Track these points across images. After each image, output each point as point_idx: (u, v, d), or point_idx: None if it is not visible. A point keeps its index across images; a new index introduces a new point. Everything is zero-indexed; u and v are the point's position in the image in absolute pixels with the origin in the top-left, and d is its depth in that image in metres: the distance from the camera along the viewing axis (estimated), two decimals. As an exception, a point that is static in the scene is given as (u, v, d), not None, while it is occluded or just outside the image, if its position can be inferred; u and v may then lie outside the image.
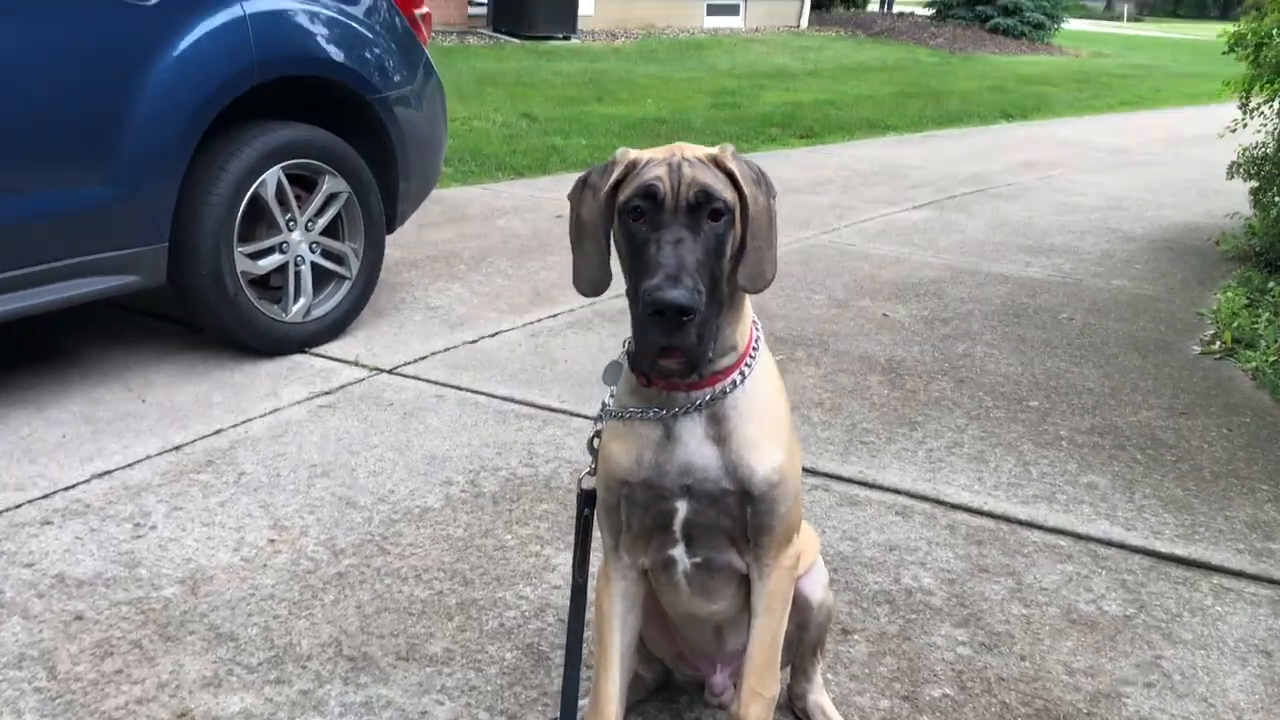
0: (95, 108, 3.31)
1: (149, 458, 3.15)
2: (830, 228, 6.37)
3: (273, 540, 2.73)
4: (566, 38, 15.00)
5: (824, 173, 8.19)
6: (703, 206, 1.55)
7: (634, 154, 1.64)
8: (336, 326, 4.12)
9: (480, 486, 3.04)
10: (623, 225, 1.60)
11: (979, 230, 6.45)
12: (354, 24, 4.00)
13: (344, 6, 3.98)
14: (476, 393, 3.69)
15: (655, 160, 1.60)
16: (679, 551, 1.76)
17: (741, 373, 1.69)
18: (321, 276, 4.08)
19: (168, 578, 2.56)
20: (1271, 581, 2.69)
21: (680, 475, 1.69)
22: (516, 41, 14.42)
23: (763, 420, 1.70)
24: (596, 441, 1.81)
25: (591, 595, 1.93)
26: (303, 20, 3.83)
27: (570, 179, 7.38)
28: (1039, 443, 3.46)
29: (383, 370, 3.86)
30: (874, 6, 27.49)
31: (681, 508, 1.71)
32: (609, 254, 1.65)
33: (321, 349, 4.03)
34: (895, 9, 26.15)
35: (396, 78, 4.17)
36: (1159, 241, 6.38)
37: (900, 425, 3.55)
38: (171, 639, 2.33)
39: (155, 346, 4.04)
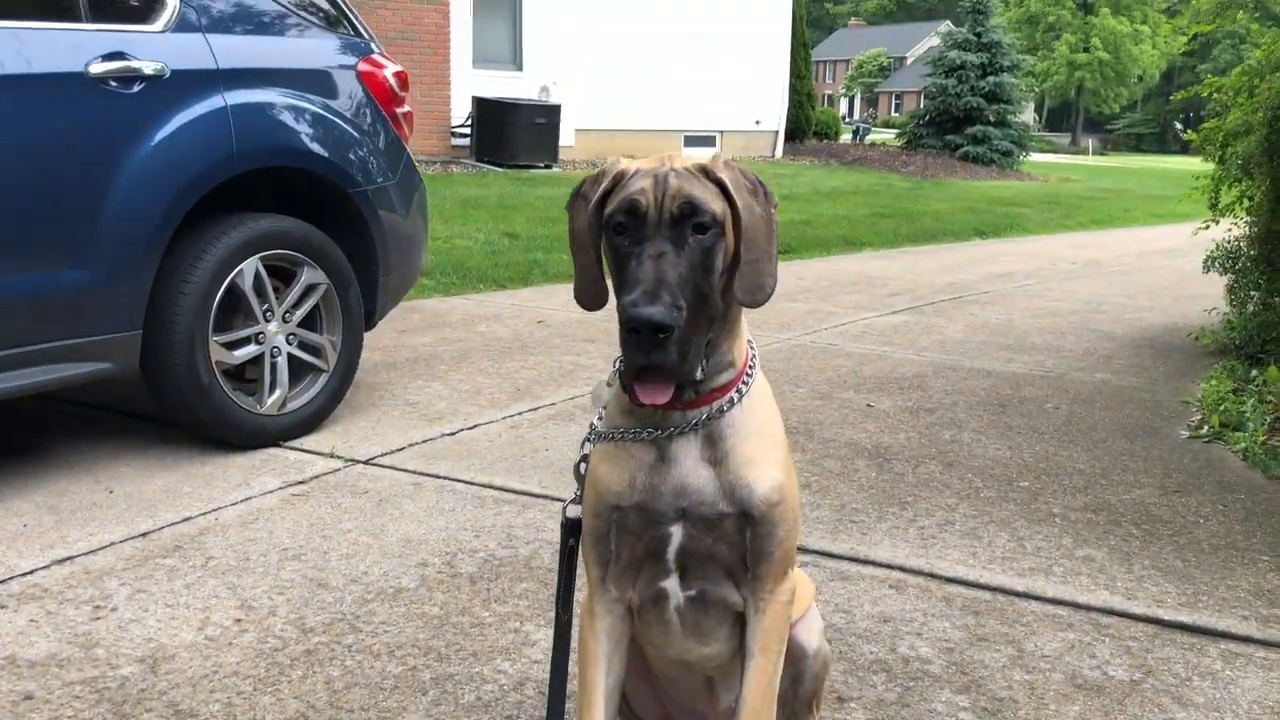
0: (71, 192, 3.30)
1: (113, 544, 3.03)
2: (810, 330, 6.40)
3: (239, 620, 2.61)
4: (548, 166, 15.31)
5: (802, 283, 8.27)
6: (687, 219, 1.50)
7: (624, 164, 1.61)
8: (312, 420, 4.05)
9: (457, 567, 2.94)
10: (608, 239, 1.56)
11: (958, 332, 6.48)
12: (336, 118, 4.05)
13: (327, 101, 4.04)
14: (454, 480, 3.61)
15: (642, 171, 1.57)
16: (672, 583, 1.67)
17: (739, 390, 1.64)
18: (298, 369, 4.02)
19: (126, 657, 2.43)
20: (1281, 646, 2.60)
21: (675, 498, 1.62)
22: (499, 170, 14.71)
23: (761, 439, 1.64)
24: (584, 467, 1.74)
25: (576, 634, 1.84)
26: (285, 113, 3.88)
27: (554, 290, 7.42)
28: (1032, 520, 3.39)
29: (358, 461, 3.78)
30: (846, 138, 28.35)
31: (676, 534, 1.63)
32: (602, 267, 1.62)
33: (296, 442, 3.95)
34: (868, 139, 26.94)
35: (378, 172, 4.20)
36: (1139, 340, 6.42)
37: (890, 505, 3.48)
38: (126, 717, 2.19)
39: (125, 441, 3.95)
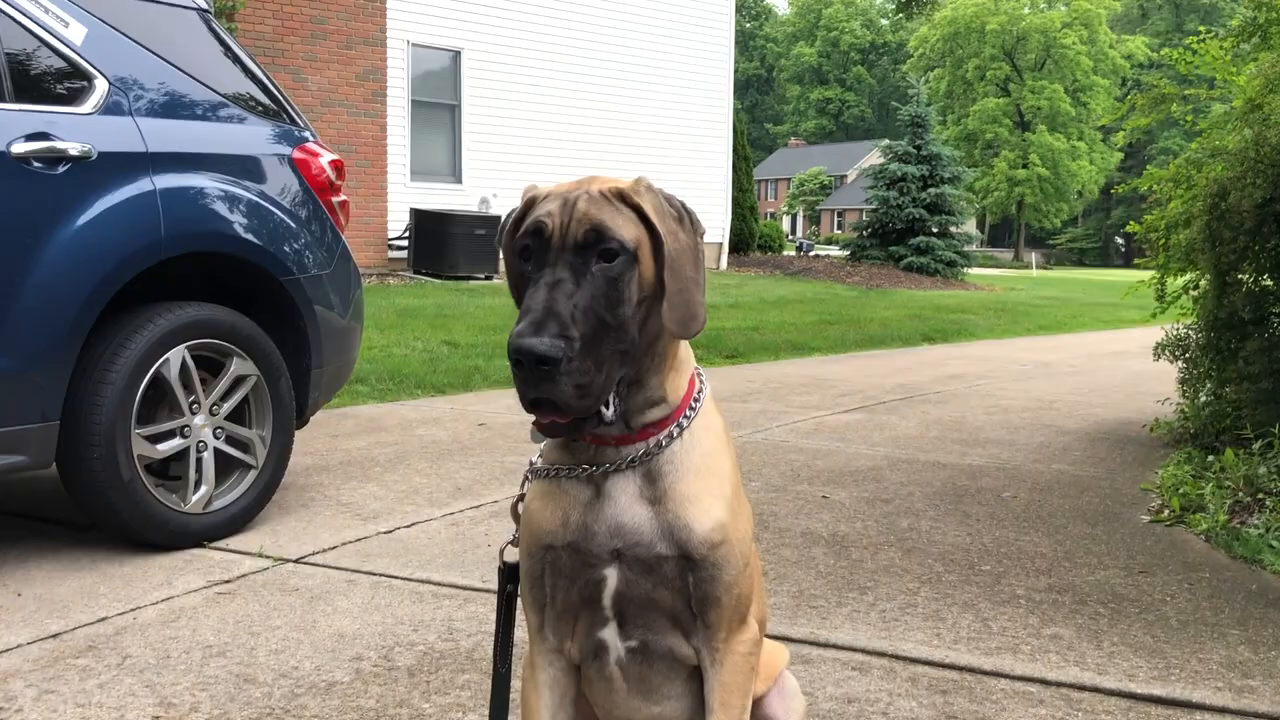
0: (-12, 274, 3.25)
1: (19, 646, 2.90)
2: (762, 428, 6.42)
3: (157, 717, 2.49)
4: (488, 278, 15.43)
5: (752, 385, 8.33)
6: (592, 246, 1.49)
7: (540, 189, 1.62)
8: (239, 519, 3.95)
9: (394, 660, 2.84)
10: (516, 265, 1.56)
11: (911, 428, 6.54)
12: (269, 205, 4.06)
13: (260, 187, 4.05)
14: (391, 577, 3.53)
15: (554, 195, 1.57)
16: (610, 633, 1.62)
17: (679, 425, 1.62)
18: (225, 465, 3.94)
19: (31, 757, 2.30)
20: (1257, 715, 2.58)
21: (610, 538, 1.59)
22: (437, 281, 14.79)
23: (703, 475, 1.62)
24: (521, 506, 1.71)
25: (517, 686, 1.77)
26: (216, 198, 3.88)
27: (496, 395, 7.39)
28: (996, 601, 3.37)
29: (288, 560, 3.68)
30: (790, 251, 28.97)
31: (611, 576, 1.59)
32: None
33: (222, 542, 3.84)
34: (813, 252, 27.53)
35: (312, 261, 4.20)
36: (1094, 433, 6.52)
37: (849, 590, 3.45)
38: (30, 819, 2.06)
39: (36, 543, 3.82)
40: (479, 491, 4.69)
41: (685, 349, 1.68)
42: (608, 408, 1.53)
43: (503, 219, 1.65)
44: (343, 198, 4.45)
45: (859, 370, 9.60)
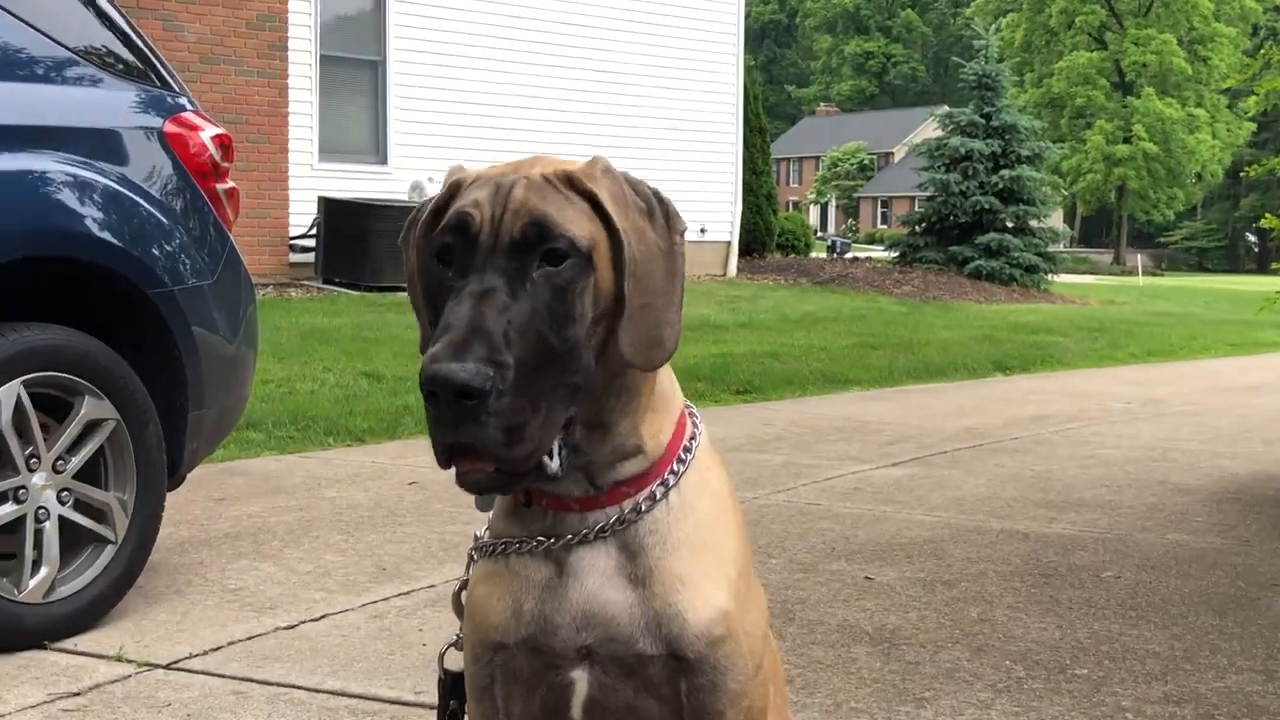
0: None
1: None
2: (784, 487, 6.44)
3: None
4: (421, 289, 15.47)
5: (770, 430, 8.35)
6: (534, 246, 1.50)
7: (469, 171, 1.62)
8: (92, 610, 3.94)
9: (299, 799, 2.83)
10: (432, 270, 1.57)
11: (981, 487, 6.57)
12: (131, 194, 4.07)
13: (121, 171, 4.07)
14: (293, 687, 3.52)
15: (485, 179, 1.58)
16: None
17: (664, 483, 1.63)
18: (74, 538, 3.93)
19: None
20: None
21: (577, 630, 1.59)
22: (354, 294, 14.80)
23: (698, 550, 1.62)
24: (465, 595, 1.72)
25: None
26: (60, 185, 3.89)
27: (429, 445, 7.39)
28: (1095, 716, 3.39)
29: (157, 665, 3.68)
30: (820, 253, 29.13)
31: (581, 681, 1.59)
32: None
33: (70, 641, 3.83)
34: (849, 254, 27.68)
35: (190, 269, 4.21)
36: (1220, 493, 6.55)
37: (902, 702, 3.46)
38: None
39: None
40: (410, 573, 4.68)
41: (668, 381, 1.69)
42: (552, 458, 1.53)
43: (414, 210, 1.65)
44: (231, 184, 4.47)
45: (911, 410, 9.63)
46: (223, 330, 4.34)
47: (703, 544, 1.63)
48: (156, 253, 4.09)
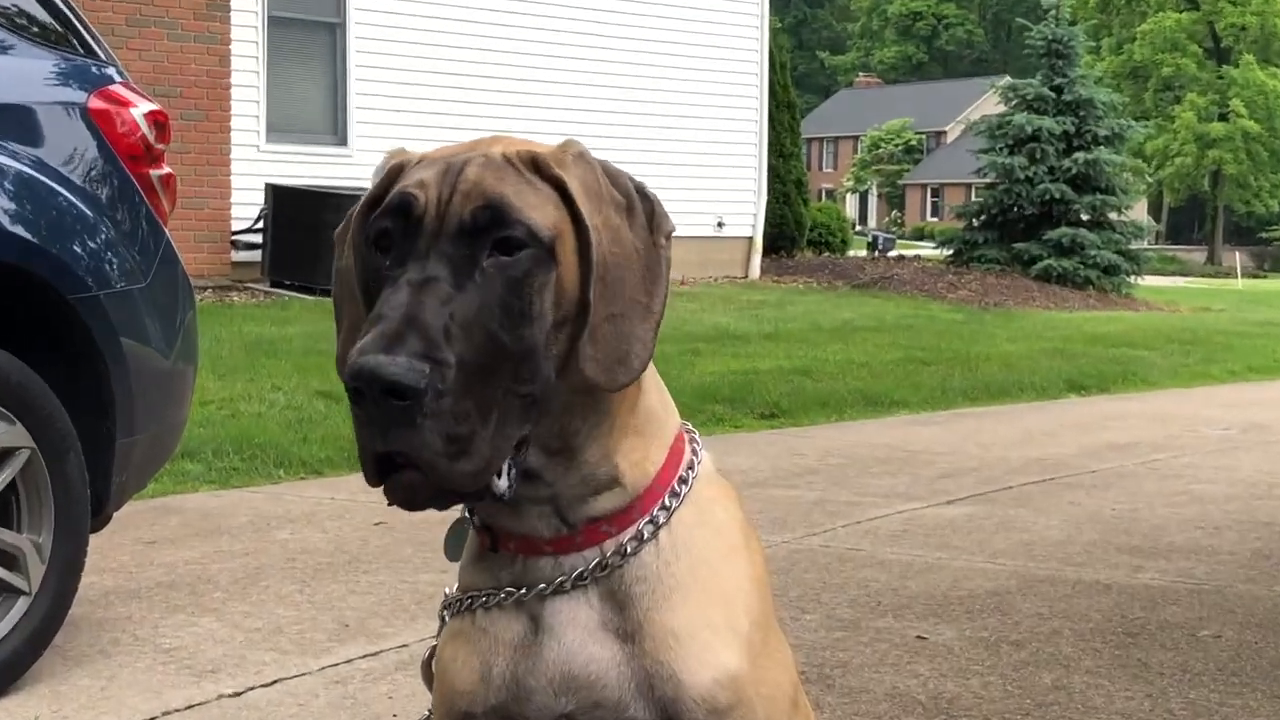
0: None
1: None
2: (820, 528, 6.45)
3: None
4: (387, 292, 15.51)
5: (802, 461, 8.36)
6: (485, 231, 1.52)
7: (412, 153, 1.66)
8: (1, 674, 3.94)
9: None
10: (367, 260, 1.60)
11: (1053, 528, 6.58)
12: (48, 180, 4.09)
13: (35, 153, 4.09)
14: (242, 765, 3.53)
15: (431, 159, 1.61)
16: None
17: (653, 520, 1.64)
18: (-22, 589, 3.95)
19: None
20: None
21: (555, 695, 1.61)
22: (308, 298, 14.84)
23: (700, 598, 1.63)
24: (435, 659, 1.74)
25: None
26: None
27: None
28: (1191, 800, 3.38)
29: (79, 739, 3.69)
30: (859, 251, 29.15)
31: None
32: None
33: (-26, 711, 3.85)
34: (893, 252, 27.71)
35: (116, 269, 4.22)
36: (1338, 536, 6.55)
37: (961, 784, 3.46)
38: None
39: None
40: (377, 630, 4.69)
41: (657, 400, 1.70)
42: (500, 477, 1.55)
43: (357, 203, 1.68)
44: (166, 170, 4.49)
45: (969, 437, 9.64)
46: (156, 342, 4.36)
47: (704, 591, 1.64)
48: (78, 250, 4.11)
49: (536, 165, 1.57)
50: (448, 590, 1.74)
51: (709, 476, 1.72)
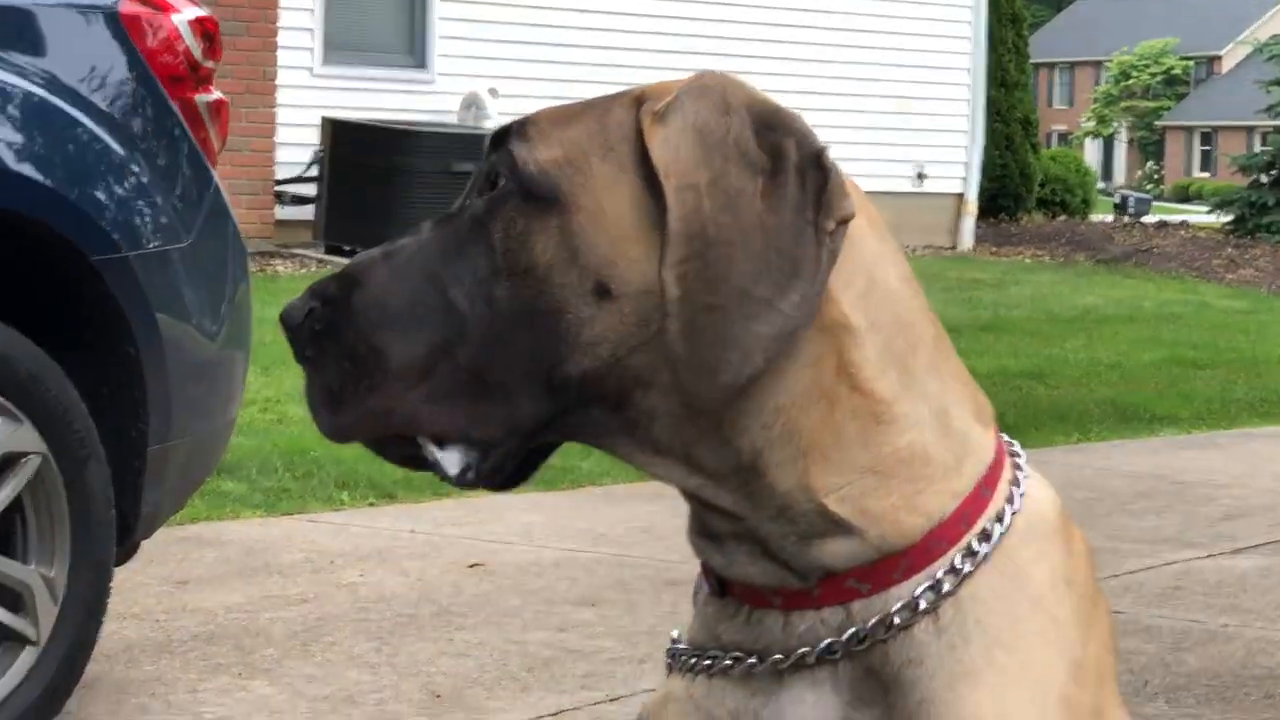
0: None
1: None
2: (1060, 582, 6.40)
3: None
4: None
5: (1036, 491, 8.30)
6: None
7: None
8: (1, 745, 4.02)
9: None
10: None
11: (1387, 589, 6.49)
12: (65, 106, 4.14)
13: (47, 69, 4.13)
14: None
15: None
16: None
17: (935, 586, 1.61)
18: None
19: None
20: None
21: None
22: (374, 268, 14.98)
23: (996, 688, 1.62)
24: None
25: None
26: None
27: (507, 503, 7.45)
28: None
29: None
30: (1104, 217, 28.78)
31: None
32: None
33: (-34, 794, 3.93)
34: (1150, 218, 27.36)
35: (152, 224, 4.27)
36: None
37: None
38: None
39: None
40: (478, 704, 4.73)
41: (932, 425, 1.64)
42: (451, 453, 1.61)
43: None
44: (216, 94, 4.53)
45: (1261, 465, 9.51)
46: (200, 320, 4.41)
47: (1002, 679, 1.63)
48: (103, 198, 4.16)
49: (638, 102, 1.60)
50: (673, 636, 1.74)
51: (1033, 530, 1.69)
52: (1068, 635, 1.64)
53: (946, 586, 1.60)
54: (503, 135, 1.59)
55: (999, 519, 1.64)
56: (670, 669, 1.72)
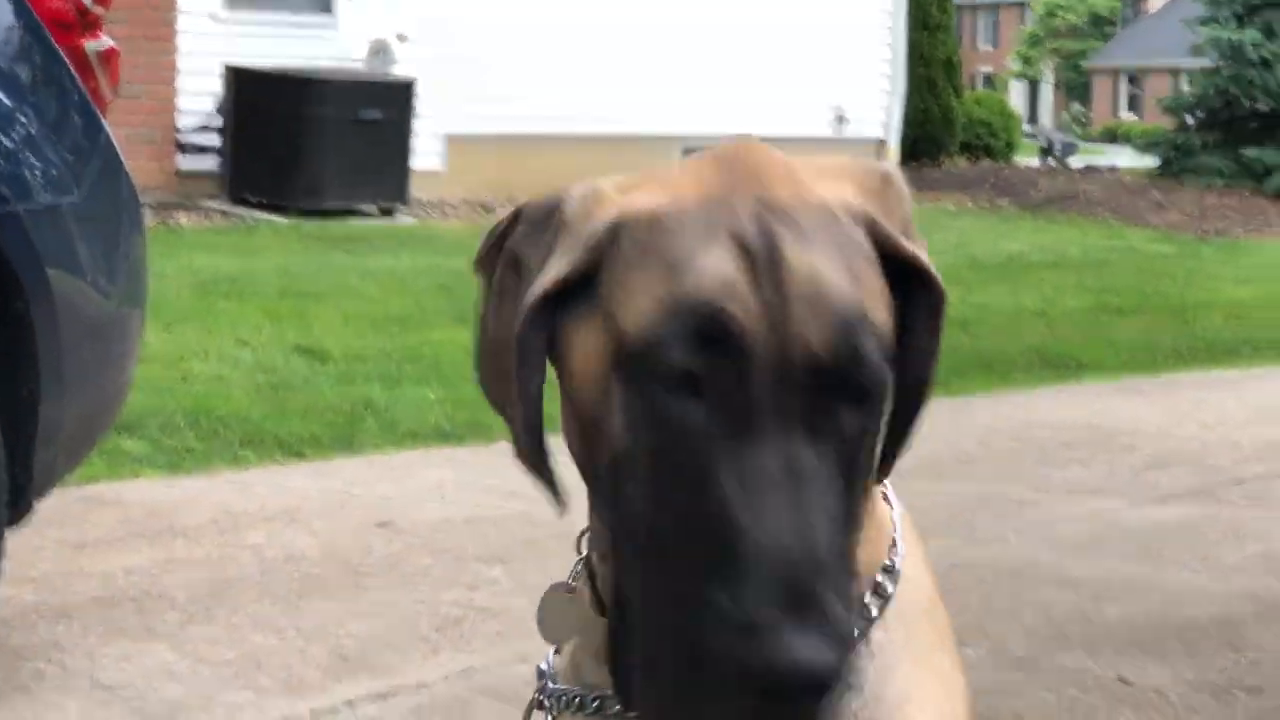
0: None
1: None
2: (984, 535, 6.44)
3: None
4: (389, 212, 15.52)
5: (960, 444, 8.29)
6: (843, 374, 1.42)
7: (632, 198, 1.49)
8: (-111, 718, 4.02)
9: None
10: (638, 397, 1.44)
11: (1304, 536, 6.56)
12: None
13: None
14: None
15: (693, 219, 1.45)
16: None
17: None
18: None
19: None
20: None
21: None
22: (281, 220, 14.88)
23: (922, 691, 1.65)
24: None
25: None
26: None
27: (410, 459, 7.45)
28: None
29: (-7, 805, 3.75)
30: (1029, 160, 28.93)
31: None
32: (539, 414, 1.55)
33: None
34: (1076, 161, 27.47)
35: (40, 177, 4.25)
36: None
37: None
38: None
39: None
40: (387, 665, 4.73)
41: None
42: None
43: (507, 235, 1.59)
44: (107, 42, 4.51)
45: (1186, 413, 9.57)
46: (93, 275, 4.39)
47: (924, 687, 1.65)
48: (-15, 148, 4.14)
49: (868, 223, 1.50)
50: (542, 666, 1.75)
51: (918, 565, 1.72)
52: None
53: (875, 649, 1.66)
54: (850, 332, 1.42)
55: (893, 545, 1.71)
56: (543, 706, 1.73)
